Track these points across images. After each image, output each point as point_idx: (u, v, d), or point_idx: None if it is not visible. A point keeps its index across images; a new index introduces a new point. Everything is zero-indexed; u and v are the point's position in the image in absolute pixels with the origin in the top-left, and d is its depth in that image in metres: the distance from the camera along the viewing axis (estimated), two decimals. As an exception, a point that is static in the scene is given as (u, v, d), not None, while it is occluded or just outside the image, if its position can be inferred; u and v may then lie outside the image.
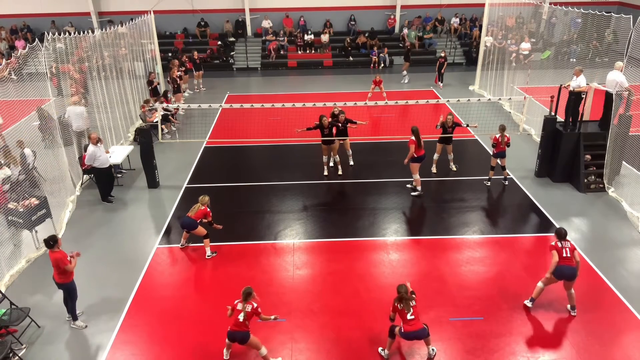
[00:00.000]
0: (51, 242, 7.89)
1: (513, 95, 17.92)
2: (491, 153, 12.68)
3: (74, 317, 8.33)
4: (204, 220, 9.98)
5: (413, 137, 11.63)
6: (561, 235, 8.22)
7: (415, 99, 13.70)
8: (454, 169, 13.61)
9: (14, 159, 11.44)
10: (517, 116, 16.74)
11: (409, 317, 7.15)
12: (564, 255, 8.05)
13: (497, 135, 12.24)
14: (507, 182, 12.79)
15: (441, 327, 8.12)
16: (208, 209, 9.98)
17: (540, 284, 8.40)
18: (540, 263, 9.77)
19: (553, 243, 8.22)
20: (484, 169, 13.69)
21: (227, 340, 7.36)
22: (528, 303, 8.53)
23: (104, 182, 12.27)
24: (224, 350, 7.58)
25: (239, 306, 7.19)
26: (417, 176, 12.07)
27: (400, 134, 14.70)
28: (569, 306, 8.45)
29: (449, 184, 13.07)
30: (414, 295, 7.32)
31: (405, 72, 22.48)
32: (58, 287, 8.16)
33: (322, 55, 26.04)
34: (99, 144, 11.79)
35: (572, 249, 8.14)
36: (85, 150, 12.60)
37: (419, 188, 12.11)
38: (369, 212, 11.69)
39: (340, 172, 13.42)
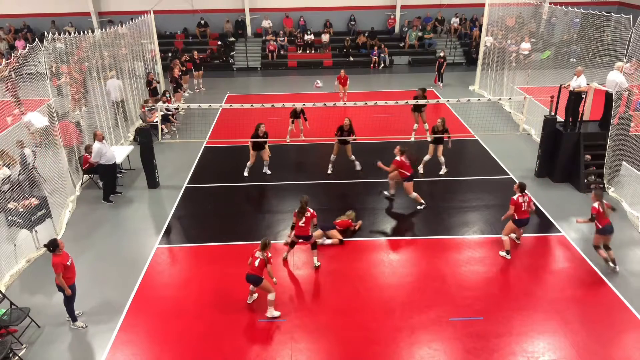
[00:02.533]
0: (51, 247, 7.89)
1: (513, 95, 17.92)
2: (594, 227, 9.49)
3: (73, 319, 8.33)
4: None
5: (403, 158, 11.13)
6: (523, 188, 9.54)
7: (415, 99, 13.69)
8: (443, 172, 13.32)
9: (12, 159, 11.43)
10: (517, 116, 16.74)
11: (300, 224, 9.31)
12: (523, 208, 9.51)
13: (596, 205, 9.25)
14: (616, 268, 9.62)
15: (441, 327, 8.13)
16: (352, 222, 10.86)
17: (504, 237, 9.77)
18: (540, 263, 9.78)
19: (515, 197, 9.47)
20: (484, 169, 13.72)
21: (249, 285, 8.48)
22: (506, 255, 9.76)
23: (108, 180, 12.29)
24: (248, 296, 8.65)
25: (257, 254, 8.26)
26: (415, 194, 11.59)
27: (400, 134, 14.73)
28: (514, 236, 10.10)
29: (448, 184, 13.06)
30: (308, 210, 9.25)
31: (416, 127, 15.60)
32: (58, 289, 8.16)
33: (322, 55, 26.05)
34: (103, 141, 11.93)
35: (529, 202, 9.61)
36: (86, 150, 12.62)
37: (422, 201, 11.71)
38: (369, 212, 11.68)
39: (359, 168, 13.57)
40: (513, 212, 9.57)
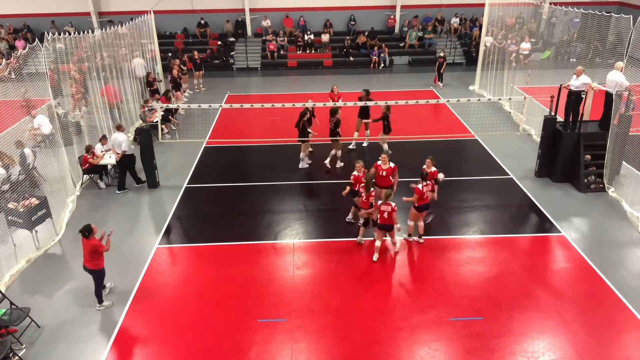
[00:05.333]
0: (86, 232, 8.29)
1: (513, 95, 17.92)
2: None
3: (100, 301, 8.62)
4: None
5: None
6: (424, 177, 10.14)
7: (415, 98, 13.69)
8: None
9: (11, 160, 11.45)
10: (517, 116, 16.75)
11: (363, 199, 10.15)
12: (425, 196, 10.08)
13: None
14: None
15: (441, 327, 8.13)
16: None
17: (411, 222, 10.40)
18: (540, 263, 9.79)
19: (420, 187, 9.97)
20: (484, 169, 13.72)
21: (377, 230, 9.83)
22: (419, 239, 10.40)
23: (132, 168, 12.84)
24: (375, 248, 9.82)
25: (383, 207, 9.50)
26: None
27: (400, 134, 14.71)
28: (416, 237, 10.42)
29: (449, 184, 13.03)
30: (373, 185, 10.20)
31: (385, 147, 14.22)
32: (89, 272, 8.45)
33: (322, 55, 26.05)
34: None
35: (432, 189, 10.30)
36: (87, 151, 12.63)
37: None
38: (369, 212, 11.68)
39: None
40: (416, 199, 10.10)
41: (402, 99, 13.82)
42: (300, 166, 13.81)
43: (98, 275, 8.53)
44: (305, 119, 13.19)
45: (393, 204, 9.50)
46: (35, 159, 12.25)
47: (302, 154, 13.75)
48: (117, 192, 12.67)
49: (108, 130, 14.73)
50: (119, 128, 12.80)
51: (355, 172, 10.55)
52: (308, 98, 14.16)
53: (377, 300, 8.78)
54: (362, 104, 13.53)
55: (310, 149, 13.89)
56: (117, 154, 12.55)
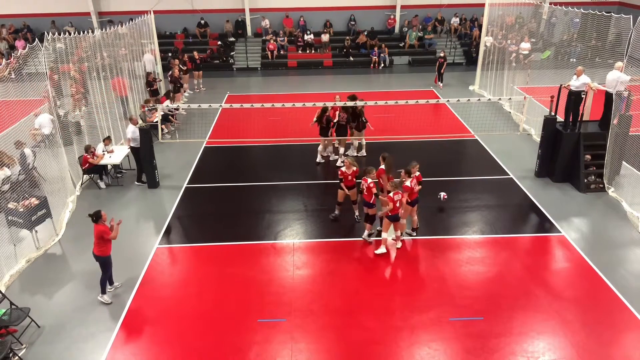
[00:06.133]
0: (94, 217, 8.41)
1: (513, 95, 17.92)
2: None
3: (103, 291, 8.71)
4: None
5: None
6: (410, 173, 10.12)
7: (415, 98, 13.70)
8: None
9: (11, 160, 11.45)
10: (517, 116, 16.75)
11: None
12: (414, 191, 10.15)
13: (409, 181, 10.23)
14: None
15: (441, 327, 8.13)
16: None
17: (403, 220, 10.29)
18: (540, 263, 9.79)
19: (408, 184, 9.96)
20: (484, 169, 13.72)
21: (389, 221, 9.86)
22: (411, 233, 10.57)
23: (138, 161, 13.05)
24: (383, 241, 10.00)
25: (396, 197, 9.64)
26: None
27: (400, 134, 14.74)
28: (408, 231, 10.59)
29: (448, 184, 13.04)
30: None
31: (355, 143, 14.90)
32: (95, 259, 8.57)
33: (322, 55, 26.05)
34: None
35: (418, 181, 10.27)
36: (86, 151, 12.63)
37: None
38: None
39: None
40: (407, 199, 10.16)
41: (402, 99, 13.82)
42: (331, 158, 14.37)
43: (103, 262, 8.61)
44: (328, 113, 13.50)
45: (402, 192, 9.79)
46: (35, 159, 12.25)
47: (320, 147, 14.21)
48: (136, 183, 13.10)
49: (108, 130, 14.73)
50: (130, 120, 13.09)
51: (343, 168, 10.74)
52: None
53: (377, 300, 8.78)
54: (331, 104, 13.43)
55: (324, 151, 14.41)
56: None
